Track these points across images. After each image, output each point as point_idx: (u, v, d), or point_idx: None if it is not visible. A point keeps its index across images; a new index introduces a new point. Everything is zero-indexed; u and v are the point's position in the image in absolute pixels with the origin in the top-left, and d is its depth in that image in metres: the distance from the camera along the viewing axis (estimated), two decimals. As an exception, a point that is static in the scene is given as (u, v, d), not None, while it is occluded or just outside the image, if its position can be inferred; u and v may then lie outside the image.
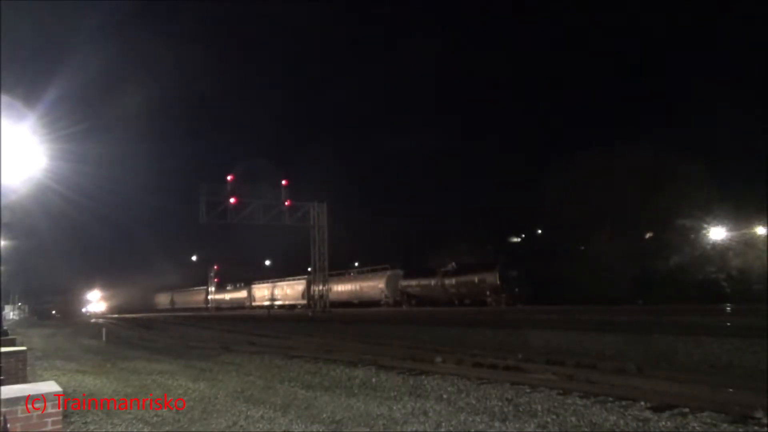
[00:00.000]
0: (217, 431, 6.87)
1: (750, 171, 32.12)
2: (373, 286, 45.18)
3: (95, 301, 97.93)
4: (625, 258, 30.33)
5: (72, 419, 7.49)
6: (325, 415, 7.34)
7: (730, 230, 30.63)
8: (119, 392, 9.78)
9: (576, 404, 7.44)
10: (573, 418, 6.74)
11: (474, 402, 7.88)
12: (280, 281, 60.71)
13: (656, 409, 6.90)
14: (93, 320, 46.95)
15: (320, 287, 43.76)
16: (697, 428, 6.18)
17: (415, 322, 23.28)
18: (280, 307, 57.43)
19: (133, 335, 29.25)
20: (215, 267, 77.13)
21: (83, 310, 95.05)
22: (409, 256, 49.80)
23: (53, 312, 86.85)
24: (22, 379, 7.79)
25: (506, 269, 33.35)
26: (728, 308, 21.71)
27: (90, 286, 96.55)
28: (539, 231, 48.57)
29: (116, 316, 72.94)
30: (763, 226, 29.15)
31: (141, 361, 14.73)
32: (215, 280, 77.06)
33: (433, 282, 38.64)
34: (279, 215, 40.37)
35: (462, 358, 12.33)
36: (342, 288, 48.16)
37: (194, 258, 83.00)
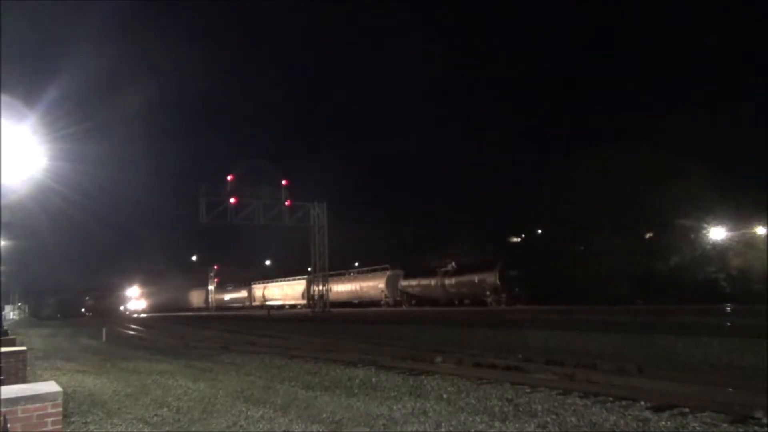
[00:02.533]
0: (217, 431, 6.87)
1: (750, 171, 32.14)
2: (373, 286, 45.17)
3: (135, 298, 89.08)
4: (625, 258, 30.30)
5: (72, 419, 7.49)
6: (325, 415, 7.33)
7: (730, 230, 30.61)
8: (119, 392, 9.78)
9: (576, 404, 7.44)
10: (573, 418, 6.74)
11: (474, 402, 7.88)
12: (281, 281, 60.72)
13: (656, 409, 6.90)
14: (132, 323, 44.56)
15: (320, 287, 43.75)
16: (697, 428, 6.18)
17: (415, 322, 23.28)
18: (280, 307, 57.43)
19: (133, 335, 29.25)
20: (215, 267, 77.22)
21: (121, 308, 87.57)
22: (409, 256, 49.82)
23: (82, 310, 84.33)
24: (22, 379, 7.80)
25: (506, 269, 33.31)
26: (728, 308, 21.70)
27: (129, 282, 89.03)
28: (539, 231, 48.57)
29: (171, 314, 66.69)
30: (763, 226, 29.14)
31: (141, 361, 14.73)
32: (215, 280, 77.12)
33: (433, 282, 38.62)
34: (279, 215, 40.32)
35: (462, 358, 12.33)
36: (342, 288, 48.15)
37: (194, 258, 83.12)
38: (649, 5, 63.57)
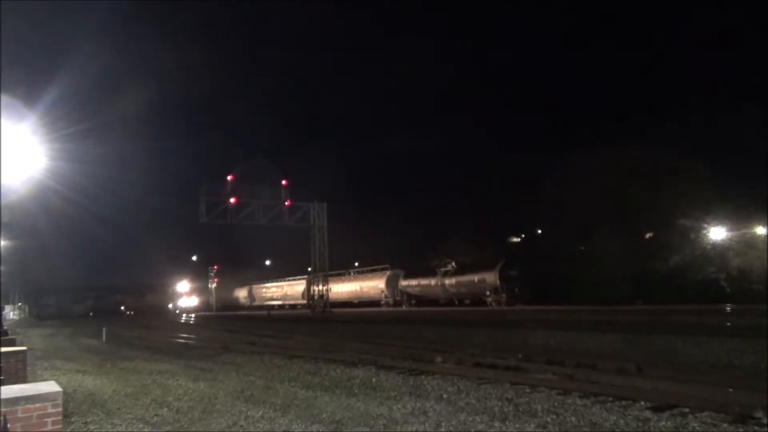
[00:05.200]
0: (217, 431, 6.87)
1: (750, 171, 32.17)
2: (373, 286, 45.18)
3: (185, 294, 77.57)
4: (625, 258, 30.31)
5: (72, 419, 7.49)
6: (325, 415, 7.33)
7: (730, 230, 30.61)
8: (119, 392, 9.78)
9: (576, 404, 7.44)
10: (573, 418, 6.74)
11: (474, 402, 7.88)
12: (281, 281, 60.69)
13: (656, 409, 6.90)
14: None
15: (320, 287, 43.76)
16: (697, 428, 6.18)
17: (415, 322, 23.28)
18: (280, 307, 57.41)
19: (133, 335, 29.23)
20: (215, 267, 77.10)
21: (170, 306, 78.28)
22: (409, 256, 49.84)
23: (121, 308, 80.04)
24: (22, 379, 7.79)
25: (506, 269, 33.33)
26: (728, 308, 21.71)
27: (177, 278, 78.61)
28: (539, 231, 48.59)
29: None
30: (763, 226, 29.14)
31: (141, 361, 14.72)
32: (215, 280, 76.98)
33: (433, 282, 38.63)
34: (279, 215, 40.35)
35: (462, 358, 12.33)
36: (342, 288, 48.16)
37: (194, 258, 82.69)
38: (651, 6, 63.58)
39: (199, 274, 77.45)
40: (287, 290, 58.20)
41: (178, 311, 73.66)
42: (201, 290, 77.00)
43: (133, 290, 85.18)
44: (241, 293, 69.49)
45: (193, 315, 61.37)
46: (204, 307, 73.68)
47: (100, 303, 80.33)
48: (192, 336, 26.40)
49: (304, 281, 53.49)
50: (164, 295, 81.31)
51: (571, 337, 14.39)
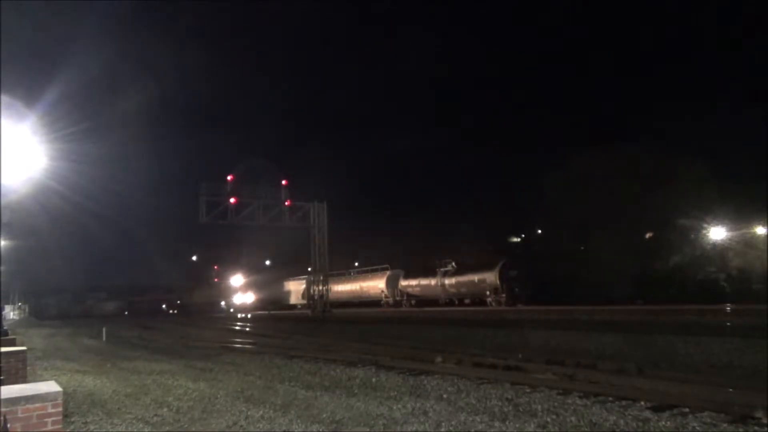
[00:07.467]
0: (217, 431, 6.87)
1: (750, 171, 32.16)
2: (373, 286, 45.19)
3: (240, 290, 66.87)
4: (625, 258, 30.30)
5: (72, 419, 7.49)
6: (325, 415, 7.33)
7: (730, 230, 30.61)
8: (119, 392, 9.77)
9: (576, 404, 7.44)
10: (573, 418, 6.74)
11: (474, 402, 7.88)
12: (281, 281, 60.59)
13: (656, 409, 6.90)
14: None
15: (320, 287, 43.76)
16: (697, 428, 6.18)
17: (415, 322, 23.29)
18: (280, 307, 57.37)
19: (133, 335, 29.24)
20: (215, 267, 77.08)
21: (222, 304, 69.13)
22: (409, 256, 49.82)
23: (163, 306, 77.02)
24: (22, 379, 7.79)
25: (506, 269, 33.34)
26: (728, 308, 21.71)
27: (230, 272, 69.15)
28: (539, 231, 48.59)
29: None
30: (763, 226, 29.14)
31: (141, 361, 14.72)
32: (214, 279, 77.00)
33: (433, 282, 38.63)
34: (279, 215, 40.36)
35: (462, 358, 12.33)
36: (342, 288, 48.14)
37: (194, 258, 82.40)
38: (652, 6, 63.61)
39: (249, 268, 68.62)
40: (287, 290, 57.96)
41: (232, 309, 65.06)
42: (260, 284, 65.17)
43: (176, 287, 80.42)
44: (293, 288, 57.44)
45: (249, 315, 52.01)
46: (262, 305, 62.58)
47: (134, 301, 77.48)
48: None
49: (304, 281, 53.40)
50: (212, 292, 72.92)
51: (571, 337, 14.40)
